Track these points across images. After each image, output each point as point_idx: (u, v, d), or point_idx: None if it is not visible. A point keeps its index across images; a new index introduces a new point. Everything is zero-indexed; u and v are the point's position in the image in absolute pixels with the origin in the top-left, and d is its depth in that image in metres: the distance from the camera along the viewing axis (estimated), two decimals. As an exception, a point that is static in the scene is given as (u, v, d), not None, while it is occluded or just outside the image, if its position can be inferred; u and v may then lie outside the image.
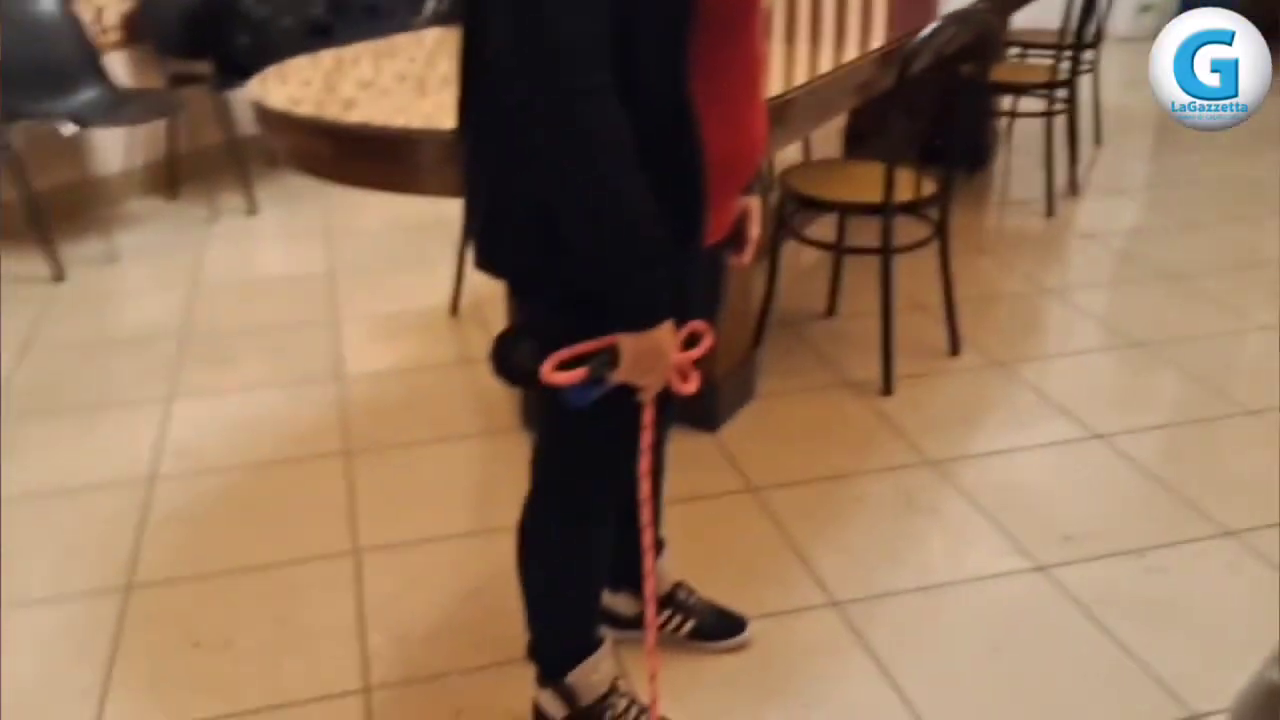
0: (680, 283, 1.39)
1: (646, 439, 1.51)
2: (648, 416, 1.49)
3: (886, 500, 2.46)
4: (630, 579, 1.96)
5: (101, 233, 4.17)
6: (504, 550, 1.70)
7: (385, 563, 2.27)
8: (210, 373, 3.13)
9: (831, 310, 3.39)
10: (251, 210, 4.41)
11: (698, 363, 1.46)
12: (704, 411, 2.73)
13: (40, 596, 2.19)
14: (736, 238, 1.66)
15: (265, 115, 2.26)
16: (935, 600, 2.14)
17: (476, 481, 2.64)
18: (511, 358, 1.46)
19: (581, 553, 1.70)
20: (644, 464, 1.53)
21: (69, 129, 3.86)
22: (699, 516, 2.41)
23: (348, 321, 3.42)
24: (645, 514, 1.56)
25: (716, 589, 2.08)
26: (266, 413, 2.89)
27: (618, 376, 1.37)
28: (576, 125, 1.22)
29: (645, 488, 1.55)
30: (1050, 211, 4.25)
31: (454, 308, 3.42)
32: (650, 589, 1.63)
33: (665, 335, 1.36)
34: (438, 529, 2.36)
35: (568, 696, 1.74)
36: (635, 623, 1.98)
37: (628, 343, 1.35)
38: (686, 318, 1.46)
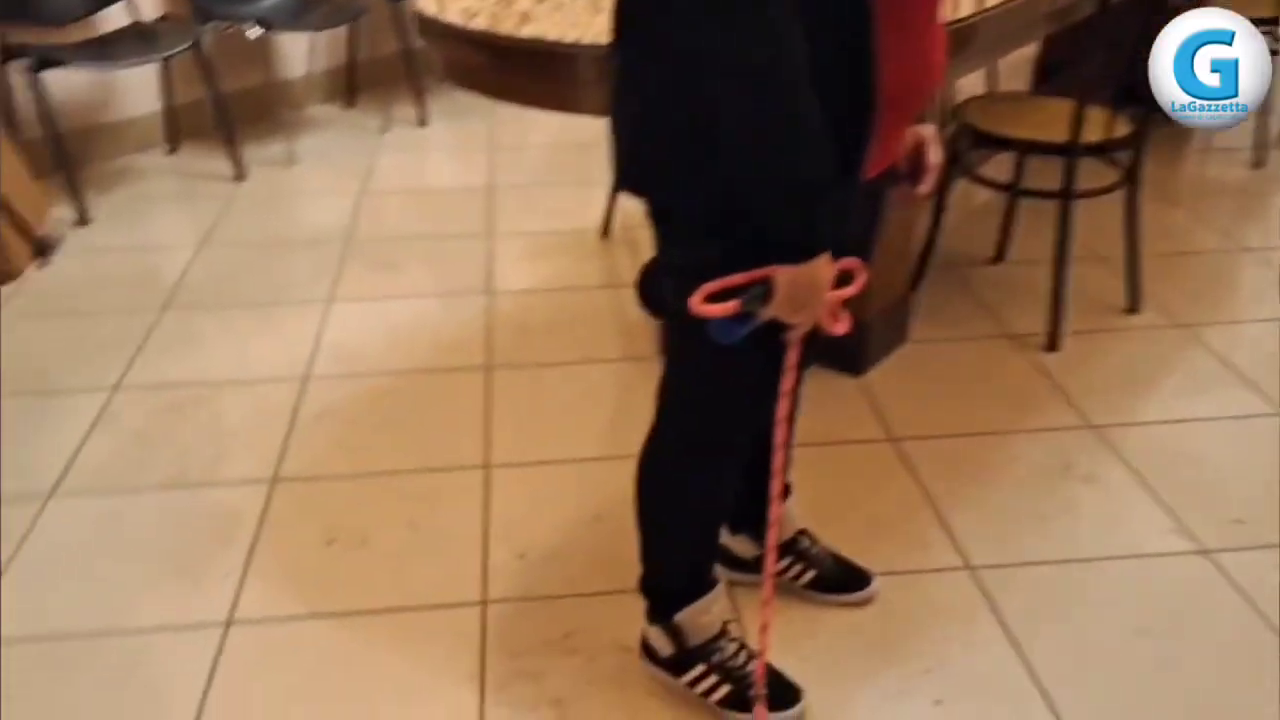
0: (837, 215, 1.31)
1: (788, 382, 1.43)
2: (792, 358, 1.41)
3: (1040, 463, 2.31)
4: (751, 522, 1.92)
5: (282, 135, 4.33)
6: (631, 478, 1.67)
7: (514, 479, 2.29)
8: (370, 278, 3.21)
9: (1000, 256, 3.19)
10: (422, 121, 4.48)
11: (848, 302, 1.38)
12: (850, 353, 2.63)
13: (196, 480, 2.32)
14: (914, 167, 1.57)
15: (426, 25, 2.25)
16: (1081, 575, 2.00)
17: (611, 406, 2.62)
18: (659, 287, 1.41)
19: (703, 491, 1.66)
20: (782, 408, 1.46)
21: (254, 31, 3.99)
22: (833, 463, 2.32)
23: (502, 236, 3.44)
24: (777, 460, 1.49)
25: (843, 540, 2.01)
26: (417, 321, 2.95)
27: (770, 312, 1.30)
28: (767, 22, 1.14)
29: (781, 433, 1.48)
30: (1259, 162, 3.86)
31: (605, 230, 3.40)
32: (773, 538, 1.57)
33: (823, 269, 1.28)
34: (568, 451, 2.37)
35: (675, 636, 1.71)
36: (752, 566, 1.94)
37: (783, 275, 1.27)
38: (841, 254, 1.37)
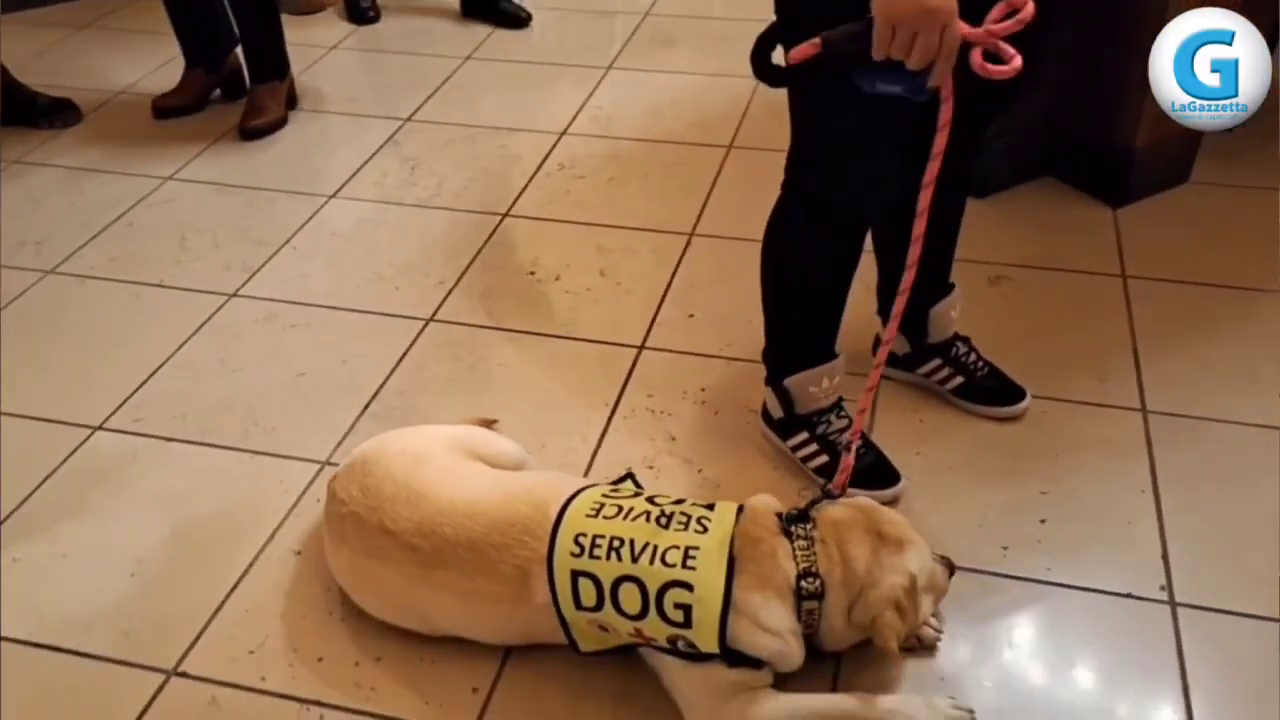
0: None
1: (939, 141, 1.31)
2: (944, 113, 1.29)
3: (1277, 328, 2.03)
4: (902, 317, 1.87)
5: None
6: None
7: (710, 248, 2.36)
8: (651, 51, 3.30)
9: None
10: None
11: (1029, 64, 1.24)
12: (1110, 181, 2.39)
13: (444, 204, 2.58)
14: None
15: None
16: (1260, 443, 1.78)
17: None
18: (769, 55, 1.38)
19: (815, 263, 1.64)
20: (931, 169, 1.33)
21: None
22: (1052, 287, 2.18)
23: (795, 27, 3.37)
24: (919, 225, 1.39)
25: (1028, 360, 1.93)
26: (680, 96, 3.01)
27: (876, 48, 1.22)
28: None
29: (925, 198, 1.36)
30: None
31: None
32: (898, 307, 1.48)
33: None
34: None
35: (785, 400, 1.75)
36: (903, 361, 1.91)
37: (880, 2, 1.20)
38: None
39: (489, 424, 1.86)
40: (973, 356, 1.88)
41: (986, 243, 2.27)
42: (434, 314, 2.21)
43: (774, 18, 1.40)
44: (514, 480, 1.54)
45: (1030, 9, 1.25)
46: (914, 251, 1.42)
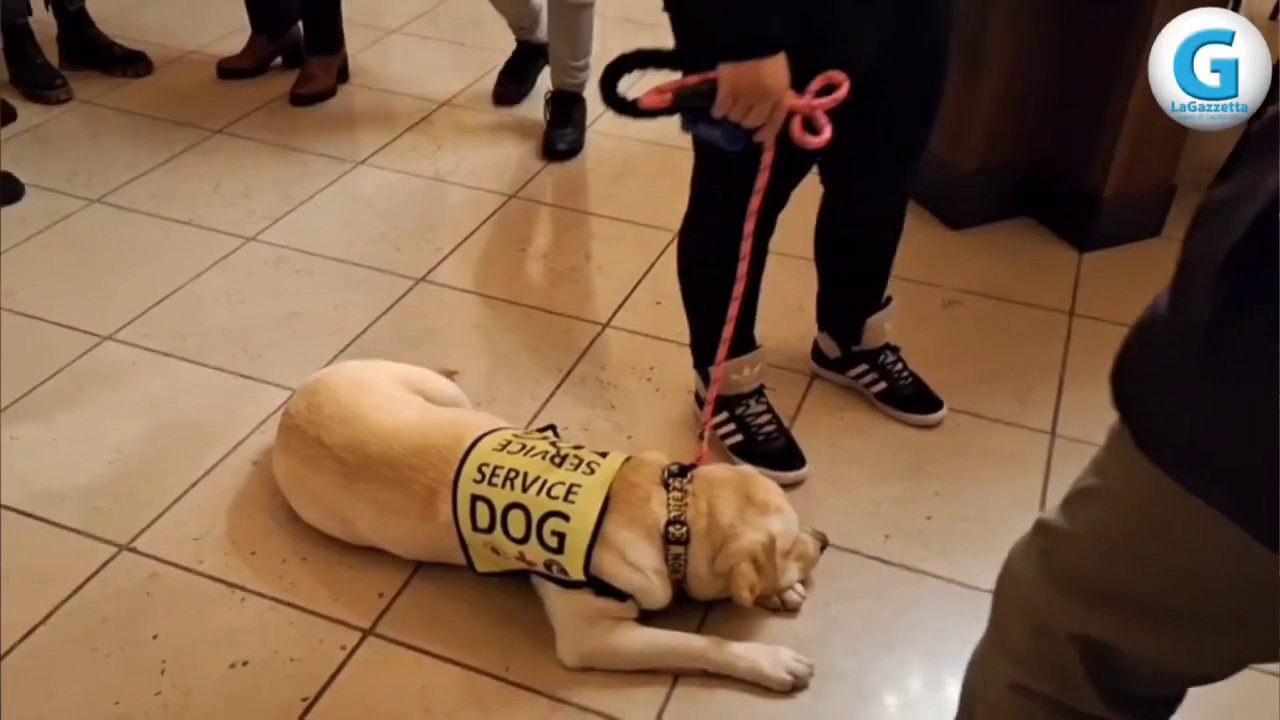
0: (817, 22, 1.42)
1: (760, 180, 1.55)
2: (765, 159, 1.52)
3: (1211, 376, 2.12)
4: (833, 323, 2.02)
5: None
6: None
7: (689, 245, 2.51)
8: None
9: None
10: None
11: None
12: (1078, 226, 2.49)
13: (459, 182, 2.78)
14: None
15: None
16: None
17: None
18: (616, 85, 1.56)
19: (713, 266, 1.77)
20: (753, 203, 1.58)
21: None
22: (1000, 317, 2.29)
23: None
24: (745, 246, 1.63)
25: (959, 379, 2.06)
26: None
27: (718, 110, 1.42)
28: None
29: (749, 225, 1.61)
30: None
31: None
32: (732, 312, 1.70)
33: (769, 71, 1.38)
34: (750, 236, 2.53)
35: (709, 382, 1.89)
36: (834, 364, 2.05)
37: (726, 73, 1.39)
38: (824, 65, 1.45)
39: (450, 374, 2.03)
40: (899, 366, 2.01)
41: (949, 269, 2.39)
42: (425, 275, 2.40)
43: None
44: (441, 414, 1.72)
45: (846, 88, 1.45)
46: (745, 245, 1.63)
